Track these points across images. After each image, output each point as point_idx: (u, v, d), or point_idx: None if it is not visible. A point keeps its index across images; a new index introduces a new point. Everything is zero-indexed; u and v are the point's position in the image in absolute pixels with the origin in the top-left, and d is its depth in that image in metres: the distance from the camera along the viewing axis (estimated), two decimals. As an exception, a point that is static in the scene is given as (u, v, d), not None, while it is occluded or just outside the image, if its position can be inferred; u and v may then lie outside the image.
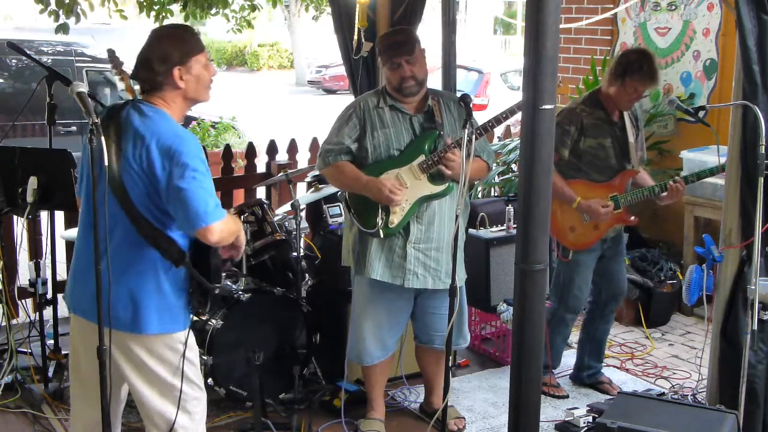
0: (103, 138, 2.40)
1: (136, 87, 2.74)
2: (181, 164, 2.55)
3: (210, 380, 3.88)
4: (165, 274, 2.69)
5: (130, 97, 2.74)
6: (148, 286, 2.67)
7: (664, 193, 4.06)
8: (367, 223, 3.67)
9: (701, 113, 3.99)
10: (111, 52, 2.99)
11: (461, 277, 3.81)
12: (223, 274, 2.84)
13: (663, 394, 4.35)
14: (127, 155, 2.58)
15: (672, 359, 5.01)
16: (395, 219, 3.62)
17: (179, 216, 2.59)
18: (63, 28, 5.89)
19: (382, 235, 3.64)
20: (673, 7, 6.16)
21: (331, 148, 3.68)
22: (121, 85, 2.79)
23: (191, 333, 2.83)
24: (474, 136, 3.55)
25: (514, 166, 6.30)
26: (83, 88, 2.53)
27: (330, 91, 22.70)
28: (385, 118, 3.66)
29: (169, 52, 2.65)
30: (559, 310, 4.32)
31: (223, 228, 2.62)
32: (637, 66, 3.92)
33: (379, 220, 3.62)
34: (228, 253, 2.86)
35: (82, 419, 2.92)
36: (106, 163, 2.44)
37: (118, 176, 2.57)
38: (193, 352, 2.84)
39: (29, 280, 4.33)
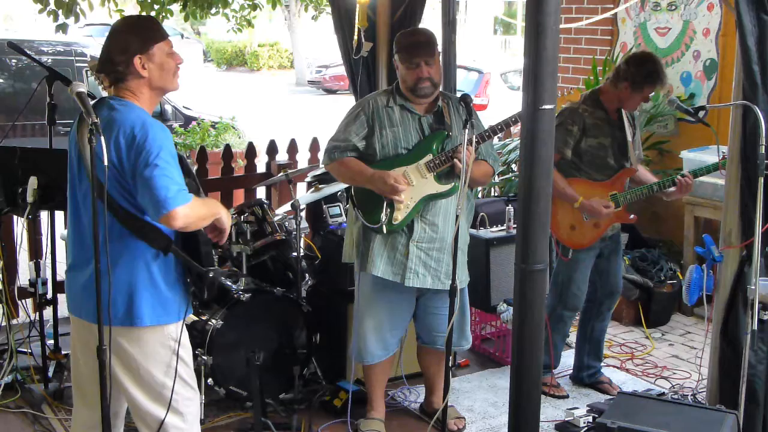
0: (103, 138, 2.40)
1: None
2: (144, 152, 2.54)
3: (210, 380, 3.88)
4: (155, 265, 2.68)
5: None
6: (140, 278, 2.66)
7: (672, 189, 4.08)
8: (371, 218, 3.67)
9: (701, 113, 4.01)
10: (93, 61, 3.00)
11: (464, 278, 3.81)
12: (216, 257, 2.82)
13: (663, 394, 4.35)
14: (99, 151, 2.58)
15: (672, 359, 5.01)
16: (399, 216, 3.62)
17: (146, 204, 2.58)
18: (62, 28, 5.88)
19: (385, 231, 3.64)
20: (673, 7, 6.16)
21: (337, 145, 3.69)
22: (104, 94, 2.80)
23: (186, 332, 2.82)
24: (482, 139, 3.58)
25: (514, 166, 6.30)
26: (83, 88, 2.54)
27: (330, 91, 22.69)
28: (394, 117, 3.66)
29: (128, 42, 2.65)
30: (557, 308, 4.33)
31: (189, 213, 2.58)
32: (657, 75, 3.99)
33: (383, 216, 3.62)
34: (212, 236, 2.84)
35: (82, 419, 2.91)
36: (106, 162, 2.43)
37: (95, 172, 2.56)
38: (187, 351, 2.83)
39: (29, 280, 4.33)
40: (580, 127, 4.08)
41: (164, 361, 2.73)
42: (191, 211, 2.59)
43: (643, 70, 3.98)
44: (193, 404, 2.85)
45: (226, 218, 2.82)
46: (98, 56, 2.72)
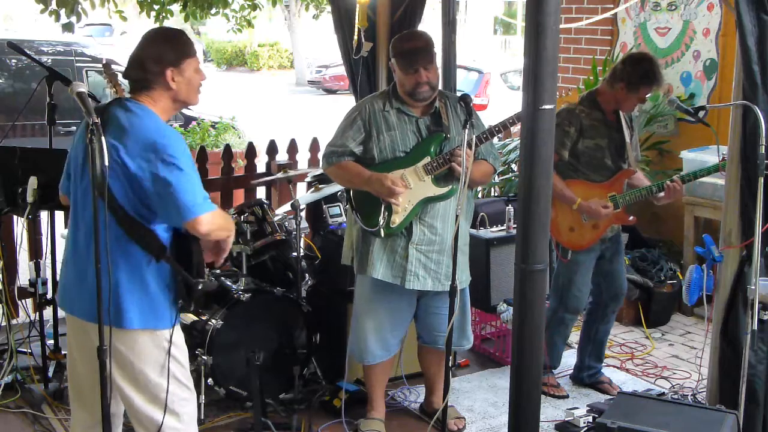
0: (104, 138, 2.41)
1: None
2: (167, 158, 2.57)
3: (210, 380, 3.88)
4: (149, 269, 2.68)
5: None
6: (132, 280, 2.67)
7: (661, 193, 4.08)
8: (369, 221, 3.67)
9: (701, 113, 4.01)
10: (107, 65, 3.01)
11: (465, 279, 3.81)
12: (207, 270, 2.85)
13: (663, 394, 4.35)
14: (109, 150, 2.58)
15: (672, 359, 5.01)
16: (397, 219, 3.62)
17: (168, 209, 2.60)
18: (68, 27, 5.88)
19: (383, 234, 3.64)
20: (673, 7, 6.16)
21: (334, 150, 3.69)
22: (108, 94, 2.81)
23: (180, 333, 2.82)
24: (479, 142, 3.57)
25: (514, 166, 6.30)
26: (83, 88, 2.54)
27: (330, 91, 22.70)
28: (390, 120, 3.66)
29: (163, 53, 2.69)
30: (558, 311, 4.33)
31: (213, 220, 2.64)
32: (653, 75, 3.98)
33: (381, 219, 3.62)
34: (210, 256, 2.85)
35: (81, 420, 2.91)
36: (107, 162, 2.43)
37: (101, 172, 2.56)
38: (181, 351, 2.83)
39: (29, 280, 4.33)
40: (577, 128, 4.08)
41: (158, 361, 2.73)
42: (214, 219, 2.65)
43: (639, 69, 3.98)
44: (189, 404, 2.84)
45: (231, 238, 2.85)
46: (103, 59, 2.74)
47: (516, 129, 5.41)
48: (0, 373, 4.20)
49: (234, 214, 4.21)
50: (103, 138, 2.39)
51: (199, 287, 2.74)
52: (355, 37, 4.72)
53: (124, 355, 2.71)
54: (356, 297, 3.87)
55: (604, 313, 4.43)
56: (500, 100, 11.94)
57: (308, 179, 4.98)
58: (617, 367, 4.82)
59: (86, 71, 8.88)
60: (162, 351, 2.73)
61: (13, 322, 4.42)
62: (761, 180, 3.20)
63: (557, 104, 2.67)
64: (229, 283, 4.12)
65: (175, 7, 6.43)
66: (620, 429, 2.83)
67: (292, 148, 6.05)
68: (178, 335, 2.80)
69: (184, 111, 9.71)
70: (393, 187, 3.53)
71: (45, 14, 5.78)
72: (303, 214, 4.38)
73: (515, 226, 3.62)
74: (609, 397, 4.32)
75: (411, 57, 3.57)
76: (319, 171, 4.69)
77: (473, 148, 3.34)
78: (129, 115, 2.63)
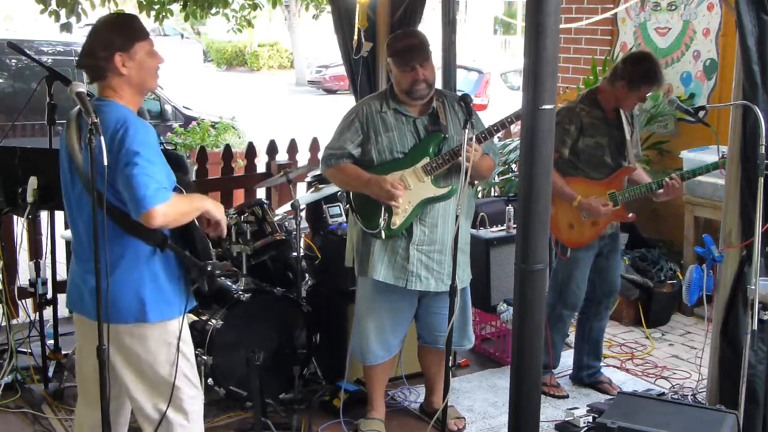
0: (103, 138, 2.40)
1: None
2: (124, 150, 2.54)
3: (210, 380, 3.88)
4: (155, 261, 2.68)
5: None
6: (144, 275, 2.67)
7: (660, 190, 4.08)
8: (369, 224, 3.67)
9: (701, 113, 4.01)
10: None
11: (466, 278, 3.81)
12: (213, 251, 2.85)
13: (663, 394, 4.35)
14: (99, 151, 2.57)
15: (672, 359, 5.01)
16: (397, 220, 3.62)
17: (128, 203, 2.57)
18: (66, 27, 5.88)
19: (383, 236, 3.64)
20: (673, 7, 6.16)
21: (333, 153, 3.70)
22: None
23: (187, 329, 2.82)
24: (479, 141, 3.56)
25: (514, 166, 6.30)
26: (83, 87, 2.54)
27: (330, 91, 22.70)
28: (388, 121, 3.65)
29: (111, 39, 2.67)
30: (556, 307, 4.32)
31: (168, 211, 2.55)
32: (653, 75, 3.98)
33: (382, 221, 3.62)
34: (209, 230, 2.84)
35: (88, 418, 2.91)
36: (106, 162, 2.43)
37: (94, 173, 2.53)
38: (189, 347, 2.84)
39: (29, 280, 4.33)
40: (578, 126, 4.09)
41: (168, 359, 2.74)
42: (170, 209, 2.57)
43: (640, 68, 3.98)
44: (197, 402, 2.86)
45: (215, 209, 2.80)
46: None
47: (516, 129, 5.41)
48: (0, 373, 4.20)
49: (234, 214, 4.21)
50: (102, 138, 2.39)
51: (209, 268, 2.74)
52: (355, 37, 4.72)
53: (135, 353, 2.72)
54: (358, 298, 3.88)
55: (597, 310, 4.43)
56: (500, 100, 11.94)
57: (308, 179, 4.98)
58: (617, 367, 4.82)
59: (86, 71, 8.88)
60: (172, 347, 2.74)
61: (13, 322, 4.42)
62: (761, 180, 3.20)
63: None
64: (229, 283, 4.12)
65: (175, 7, 6.43)
66: (620, 429, 2.83)
67: (292, 148, 6.05)
68: (187, 332, 2.81)
69: (184, 111, 9.72)
70: (392, 190, 3.53)
71: (45, 14, 5.79)
72: (303, 214, 4.38)
73: (515, 226, 3.62)
74: (609, 397, 4.32)
75: (406, 55, 3.58)
76: (318, 171, 4.69)
77: (464, 147, 3.32)
78: (98, 114, 2.58)
